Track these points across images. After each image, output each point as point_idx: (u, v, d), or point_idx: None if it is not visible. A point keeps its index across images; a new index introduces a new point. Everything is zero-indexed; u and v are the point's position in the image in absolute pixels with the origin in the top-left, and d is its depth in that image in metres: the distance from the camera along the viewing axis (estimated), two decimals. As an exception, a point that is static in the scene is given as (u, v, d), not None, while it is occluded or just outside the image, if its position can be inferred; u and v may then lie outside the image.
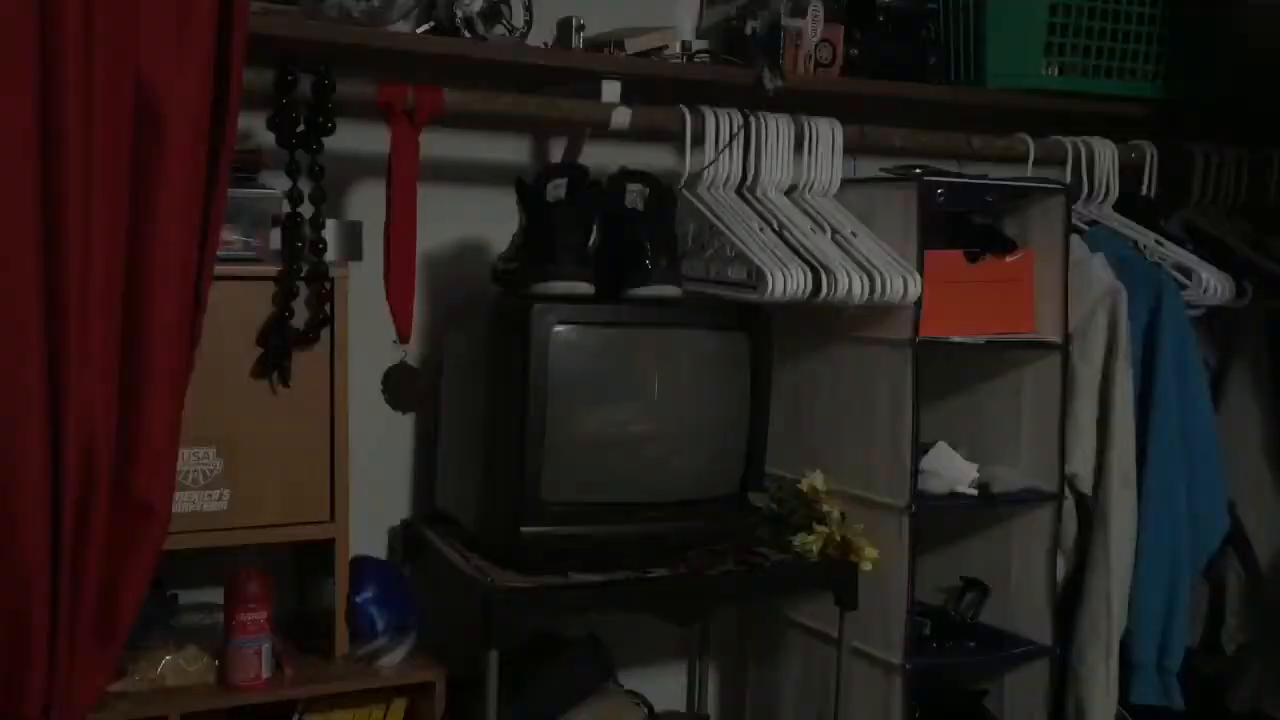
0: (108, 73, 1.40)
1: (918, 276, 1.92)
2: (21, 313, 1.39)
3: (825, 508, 2.04)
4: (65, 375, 1.41)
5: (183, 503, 1.74)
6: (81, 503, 1.44)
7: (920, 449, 2.02)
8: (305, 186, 1.78)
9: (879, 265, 1.91)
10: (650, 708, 2.15)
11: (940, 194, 2.04)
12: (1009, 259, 2.09)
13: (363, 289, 1.85)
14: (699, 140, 2.01)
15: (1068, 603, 2.13)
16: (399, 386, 1.93)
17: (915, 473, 2.00)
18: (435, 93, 1.83)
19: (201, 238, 1.51)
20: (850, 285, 1.88)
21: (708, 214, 2.00)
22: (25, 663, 1.45)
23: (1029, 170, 2.25)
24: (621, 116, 1.98)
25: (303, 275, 1.78)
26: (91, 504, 1.45)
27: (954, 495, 2.07)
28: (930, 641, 2.09)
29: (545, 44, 2.04)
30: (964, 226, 2.15)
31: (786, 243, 1.95)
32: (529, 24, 1.97)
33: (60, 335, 1.41)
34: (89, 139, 1.39)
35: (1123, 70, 2.34)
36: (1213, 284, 2.17)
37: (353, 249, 1.86)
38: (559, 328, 1.83)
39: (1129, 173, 2.32)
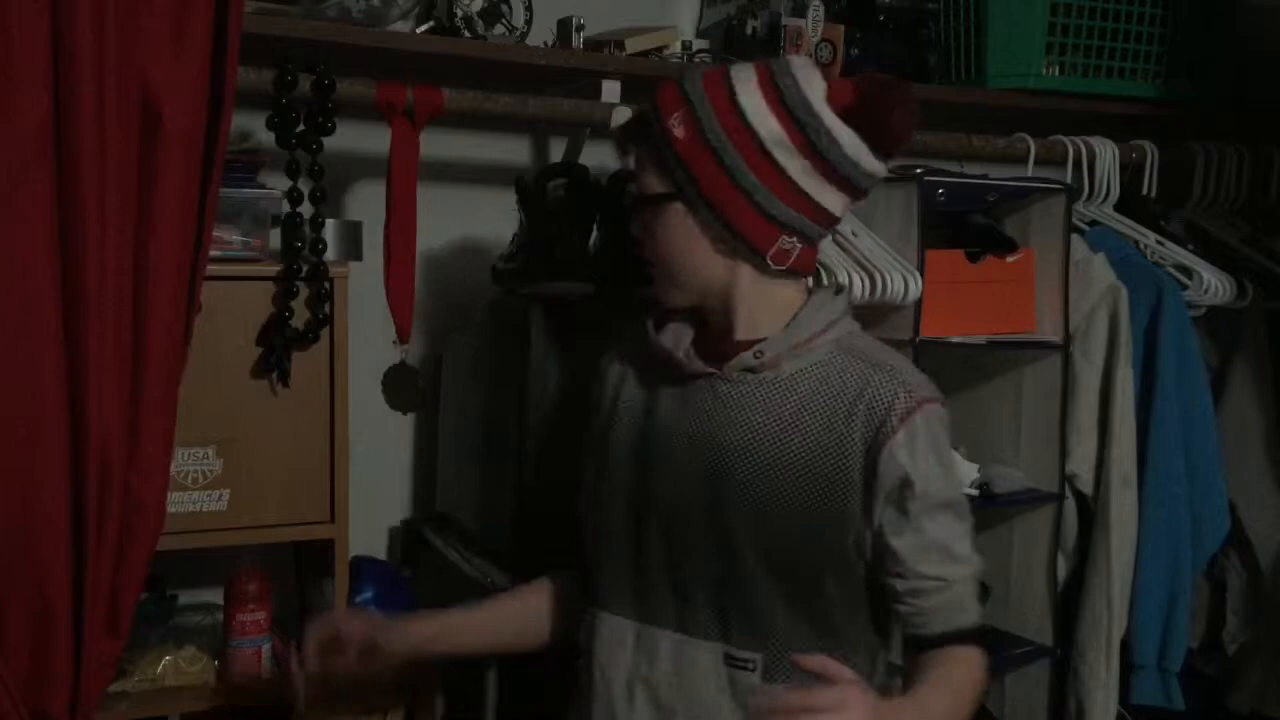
0: (117, 74, 1.41)
1: (918, 276, 1.92)
2: (40, 318, 1.40)
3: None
4: (84, 381, 1.42)
5: (183, 503, 1.74)
6: (99, 504, 1.45)
7: (920, 449, 2.02)
8: (305, 186, 1.78)
9: (879, 265, 1.91)
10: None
11: (940, 194, 2.04)
12: (1009, 259, 2.09)
13: (363, 289, 1.85)
14: (699, 140, 2.01)
15: (1068, 603, 2.13)
16: (399, 386, 1.93)
17: (916, 473, 1.99)
18: (435, 93, 1.83)
19: (196, 237, 1.52)
20: (850, 285, 1.88)
21: (708, 214, 2.00)
22: (51, 661, 1.46)
23: (1029, 170, 2.25)
24: (621, 116, 1.98)
25: (302, 275, 1.78)
26: (106, 506, 1.46)
27: (954, 495, 2.06)
28: (931, 642, 2.09)
29: (545, 44, 2.04)
30: (964, 226, 2.15)
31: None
32: (529, 24, 1.98)
33: (79, 341, 1.42)
34: (102, 141, 1.40)
35: (1123, 70, 2.34)
36: (1213, 284, 2.17)
37: (353, 249, 1.86)
38: (559, 328, 1.83)
39: (1129, 173, 2.32)
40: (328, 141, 1.79)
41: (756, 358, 1.41)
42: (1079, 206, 2.22)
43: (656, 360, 1.49)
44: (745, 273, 1.42)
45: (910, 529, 1.39)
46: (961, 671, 1.41)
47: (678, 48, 2.12)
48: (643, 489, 1.47)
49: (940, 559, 1.41)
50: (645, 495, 1.47)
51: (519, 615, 1.65)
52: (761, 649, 1.40)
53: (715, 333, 1.47)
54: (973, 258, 2.05)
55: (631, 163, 1.49)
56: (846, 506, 1.38)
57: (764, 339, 1.42)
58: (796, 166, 1.37)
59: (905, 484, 1.37)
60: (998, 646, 2.10)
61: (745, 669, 1.41)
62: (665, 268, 1.45)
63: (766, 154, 1.36)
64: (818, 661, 1.26)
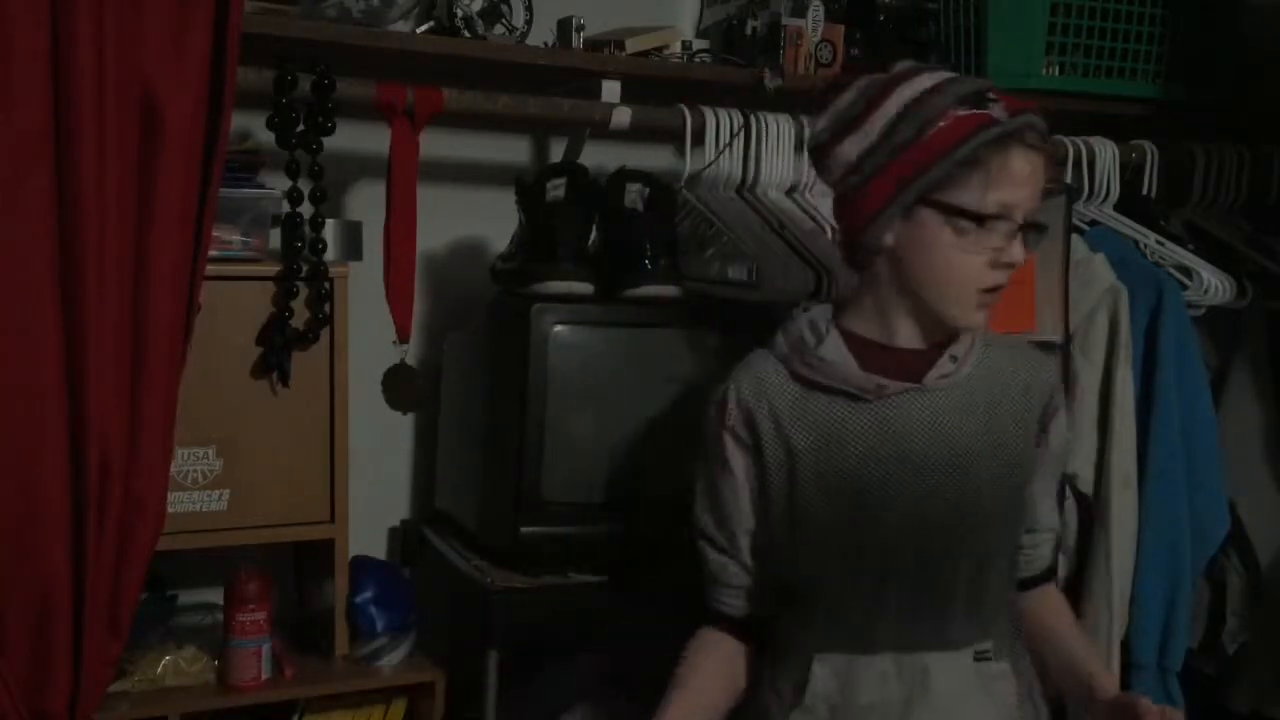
0: (117, 74, 1.41)
1: (918, 276, 1.92)
2: (40, 318, 1.41)
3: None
4: (84, 381, 1.43)
5: (183, 503, 1.74)
6: (99, 504, 1.46)
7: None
8: (305, 186, 1.78)
9: (879, 265, 1.90)
10: (649, 708, 2.15)
11: (940, 194, 2.03)
12: (1009, 259, 2.09)
13: (363, 289, 1.85)
14: (699, 140, 2.01)
15: (1068, 603, 2.12)
16: (399, 386, 1.93)
17: (916, 473, 1.99)
18: (435, 93, 1.83)
19: (196, 237, 1.52)
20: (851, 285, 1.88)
21: (708, 214, 2.00)
22: (51, 662, 1.47)
23: (1029, 170, 2.25)
24: (621, 116, 1.98)
25: (302, 275, 1.78)
26: (106, 506, 1.46)
27: (954, 495, 2.06)
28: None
29: (545, 44, 2.04)
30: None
31: (787, 243, 1.95)
32: (529, 24, 1.98)
33: (79, 341, 1.42)
34: (102, 141, 1.40)
35: (1123, 70, 2.34)
36: (1214, 284, 2.17)
37: (353, 249, 1.86)
38: (558, 328, 1.83)
39: (1129, 173, 2.32)
40: (328, 141, 1.79)
41: (954, 362, 1.45)
42: (1079, 206, 2.22)
43: (825, 388, 1.44)
44: None
45: (1049, 490, 1.58)
46: (1067, 607, 1.68)
47: (678, 48, 2.13)
48: (869, 523, 1.43)
49: (1055, 511, 1.62)
50: (874, 528, 1.43)
51: (728, 690, 1.56)
52: (993, 635, 1.49)
53: (919, 343, 1.46)
54: (973, 258, 2.05)
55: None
56: (1026, 484, 1.51)
57: (951, 345, 1.46)
58: None
59: (1066, 451, 1.62)
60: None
61: (988, 659, 1.48)
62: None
63: None
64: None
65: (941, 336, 1.46)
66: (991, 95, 1.38)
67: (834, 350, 1.45)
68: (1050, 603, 1.63)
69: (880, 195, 1.38)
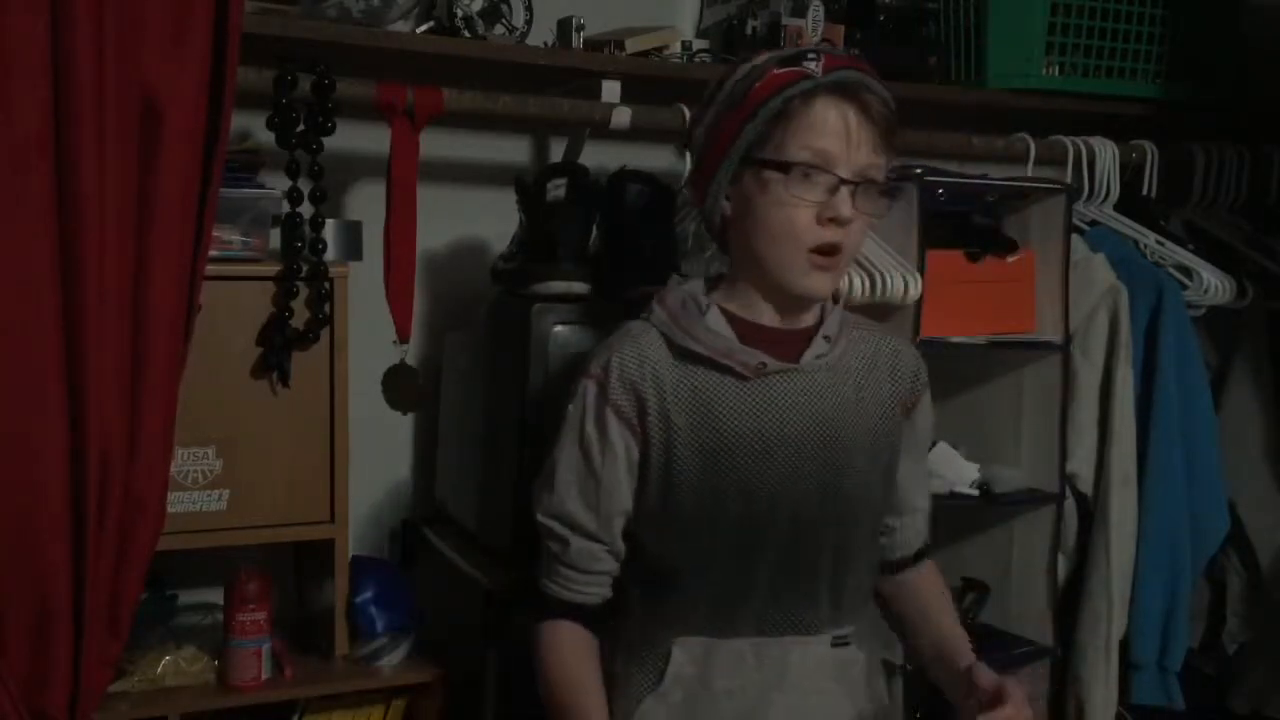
0: (117, 74, 1.41)
1: (918, 276, 1.92)
2: (40, 318, 1.41)
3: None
4: (84, 380, 1.43)
5: (183, 503, 1.74)
6: (99, 504, 1.46)
7: (920, 449, 2.02)
8: (305, 186, 1.78)
9: (879, 265, 1.90)
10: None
11: (940, 194, 2.03)
12: (1010, 259, 2.09)
13: (363, 289, 1.85)
14: (699, 140, 2.01)
15: (1068, 603, 2.13)
16: (399, 386, 1.93)
17: (916, 473, 1.99)
18: (435, 93, 1.83)
19: (196, 237, 1.52)
20: (850, 285, 1.88)
21: (708, 214, 2.00)
22: (51, 662, 1.47)
23: (1029, 170, 2.25)
24: (621, 116, 1.98)
25: (302, 275, 1.78)
26: (106, 505, 1.46)
27: (955, 495, 2.06)
28: (931, 641, 2.09)
29: (545, 44, 2.04)
30: (964, 226, 2.14)
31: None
32: (529, 24, 1.98)
33: (79, 340, 1.42)
34: (102, 141, 1.40)
35: (1123, 70, 2.34)
36: (1213, 284, 2.18)
37: (353, 249, 1.86)
38: (558, 327, 1.83)
39: (1129, 173, 2.32)
40: (328, 141, 1.79)
41: (827, 343, 1.45)
42: (1079, 206, 2.22)
43: (703, 362, 1.41)
44: None
45: (917, 472, 1.59)
46: (945, 588, 1.66)
47: (678, 48, 2.13)
48: (740, 503, 1.40)
49: (926, 492, 1.63)
50: (745, 509, 1.41)
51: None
52: (854, 620, 1.50)
53: (780, 323, 1.45)
54: (973, 258, 2.05)
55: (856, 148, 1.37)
56: (893, 464, 1.52)
57: (819, 324, 1.46)
58: None
59: (930, 433, 1.60)
60: (998, 646, 2.11)
61: (846, 644, 1.48)
62: (852, 252, 1.42)
63: None
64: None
65: (801, 315, 1.46)
66: (811, 55, 1.37)
67: (717, 323, 1.43)
68: (925, 583, 1.63)
69: (710, 163, 1.42)
